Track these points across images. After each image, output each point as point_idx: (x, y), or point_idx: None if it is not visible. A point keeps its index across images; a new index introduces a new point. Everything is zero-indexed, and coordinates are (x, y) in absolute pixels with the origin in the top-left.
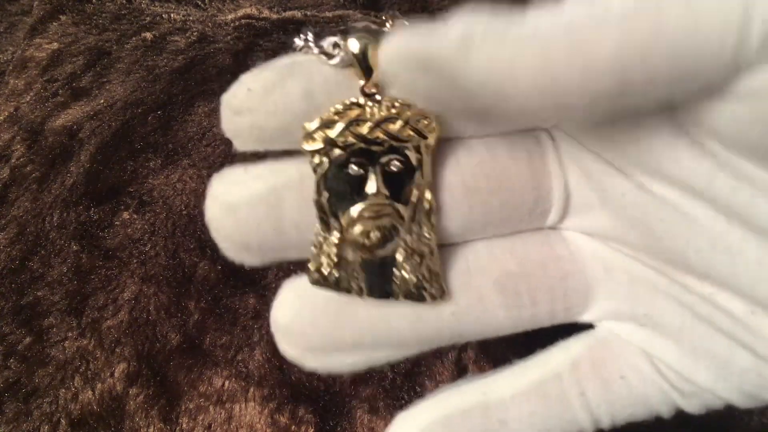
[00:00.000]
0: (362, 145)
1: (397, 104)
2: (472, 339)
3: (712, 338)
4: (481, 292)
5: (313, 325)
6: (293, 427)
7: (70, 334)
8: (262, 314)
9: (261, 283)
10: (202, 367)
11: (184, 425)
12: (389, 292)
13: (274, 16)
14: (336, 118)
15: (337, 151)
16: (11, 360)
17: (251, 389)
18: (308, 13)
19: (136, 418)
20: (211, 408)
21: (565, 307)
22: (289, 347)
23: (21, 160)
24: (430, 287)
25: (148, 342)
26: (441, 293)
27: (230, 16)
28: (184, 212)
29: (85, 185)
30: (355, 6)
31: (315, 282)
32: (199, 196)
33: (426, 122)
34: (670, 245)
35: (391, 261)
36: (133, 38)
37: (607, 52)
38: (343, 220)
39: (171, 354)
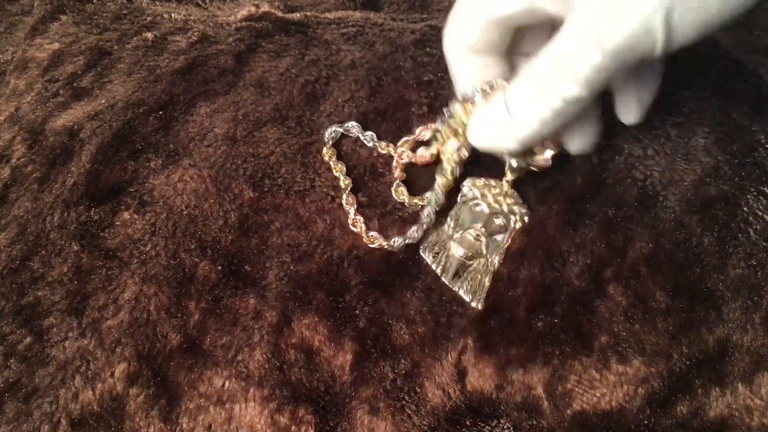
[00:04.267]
0: (489, 200)
1: (511, 191)
2: None
3: None
4: None
5: None
6: (293, 427)
7: (70, 334)
8: (262, 314)
9: (261, 283)
10: (203, 368)
11: (185, 425)
12: (454, 280)
13: (275, 17)
14: (482, 181)
15: (475, 196)
16: (12, 360)
17: (251, 389)
18: (309, 13)
19: (136, 418)
20: (211, 408)
21: None
22: None
23: (22, 160)
24: (475, 295)
25: (148, 342)
26: (478, 302)
27: (231, 17)
28: (185, 212)
29: (86, 185)
30: (354, 6)
31: (424, 248)
32: (200, 196)
33: (523, 214)
34: None
35: (467, 266)
36: (134, 38)
37: None
38: (458, 231)
39: (171, 354)
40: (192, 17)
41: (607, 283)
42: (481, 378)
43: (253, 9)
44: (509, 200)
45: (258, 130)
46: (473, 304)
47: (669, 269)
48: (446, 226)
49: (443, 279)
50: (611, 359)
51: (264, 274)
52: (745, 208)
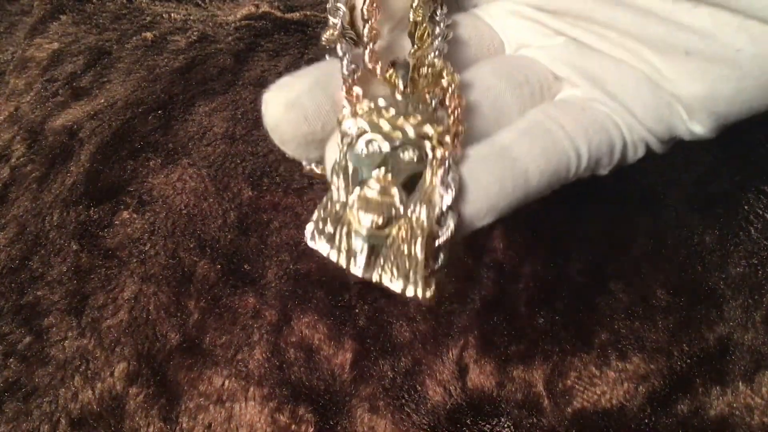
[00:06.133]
0: (385, 129)
1: (421, 105)
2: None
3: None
4: (487, 82)
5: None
6: (293, 426)
7: (70, 334)
8: (261, 313)
9: (260, 282)
10: (202, 367)
11: (184, 424)
12: (369, 267)
13: (275, 16)
14: (366, 105)
15: (362, 130)
16: (11, 359)
17: (251, 388)
18: (308, 13)
19: (136, 417)
20: (211, 407)
21: (548, 86)
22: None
23: (21, 159)
24: (409, 280)
25: (147, 341)
26: (418, 288)
27: (231, 17)
28: (184, 211)
29: (85, 185)
30: None
31: (311, 234)
32: (199, 195)
33: (445, 135)
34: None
35: (383, 240)
36: (134, 38)
37: None
38: (355, 191)
39: (171, 353)
40: (191, 17)
41: (609, 279)
42: (482, 375)
43: (252, 8)
44: (415, 118)
45: (257, 129)
46: (412, 293)
47: (670, 267)
48: (334, 190)
49: (353, 271)
50: (611, 356)
51: (263, 273)
52: (745, 207)
